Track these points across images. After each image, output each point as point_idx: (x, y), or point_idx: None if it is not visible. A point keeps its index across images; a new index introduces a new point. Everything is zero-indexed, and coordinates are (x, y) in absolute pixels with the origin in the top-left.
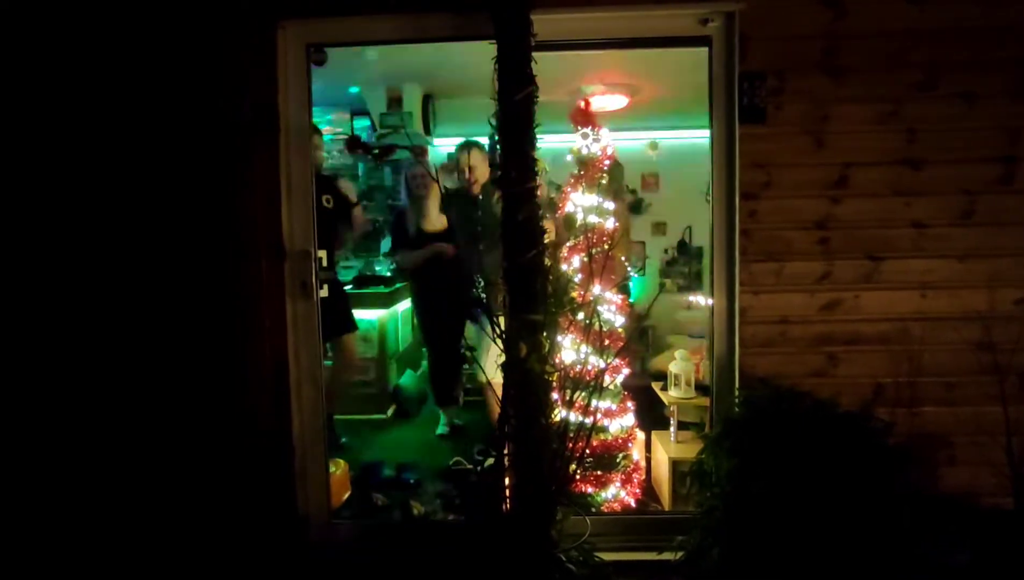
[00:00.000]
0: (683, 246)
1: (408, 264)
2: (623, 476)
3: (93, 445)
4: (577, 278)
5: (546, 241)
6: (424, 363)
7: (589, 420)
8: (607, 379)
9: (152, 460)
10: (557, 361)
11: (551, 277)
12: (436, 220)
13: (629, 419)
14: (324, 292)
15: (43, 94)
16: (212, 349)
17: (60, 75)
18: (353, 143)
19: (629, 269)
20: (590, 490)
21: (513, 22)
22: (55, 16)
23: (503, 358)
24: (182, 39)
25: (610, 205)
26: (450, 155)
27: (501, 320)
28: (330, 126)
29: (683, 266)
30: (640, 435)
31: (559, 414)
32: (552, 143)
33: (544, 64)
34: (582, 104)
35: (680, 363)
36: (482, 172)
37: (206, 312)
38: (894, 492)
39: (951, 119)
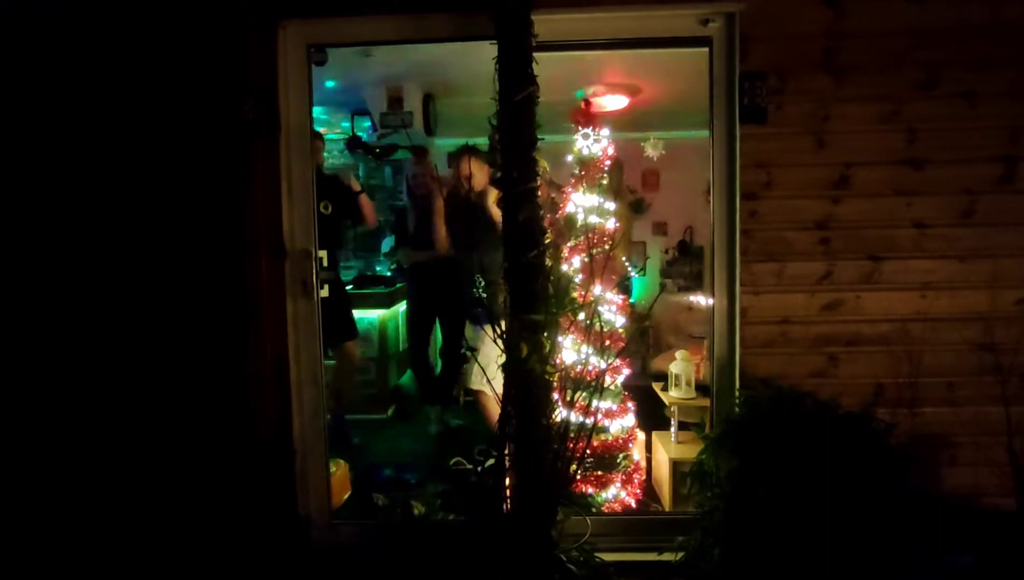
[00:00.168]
0: (684, 246)
1: (409, 263)
2: (624, 476)
3: (93, 445)
4: (578, 278)
5: (547, 241)
6: None
7: (590, 420)
8: (608, 379)
9: (152, 460)
10: (558, 361)
11: (552, 277)
12: (440, 230)
13: (630, 419)
14: (325, 292)
15: (43, 94)
16: (212, 349)
17: (61, 76)
18: (354, 143)
19: (630, 269)
20: (591, 490)
21: (514, 22)
22: (57, 17)
23: (503, 359)
24: (183, 39)
25: (610, 205)
26: (450, 153)
27: (501, 321)
28: (326, 127)
29: (684, 266)
30: (641, 435)
31: (560, 414)
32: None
33: (545, 64)
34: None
35: (680, 363)
36: (479, 178)
37: (206, 312)
38: (896, 493)
39: (952, 119)
